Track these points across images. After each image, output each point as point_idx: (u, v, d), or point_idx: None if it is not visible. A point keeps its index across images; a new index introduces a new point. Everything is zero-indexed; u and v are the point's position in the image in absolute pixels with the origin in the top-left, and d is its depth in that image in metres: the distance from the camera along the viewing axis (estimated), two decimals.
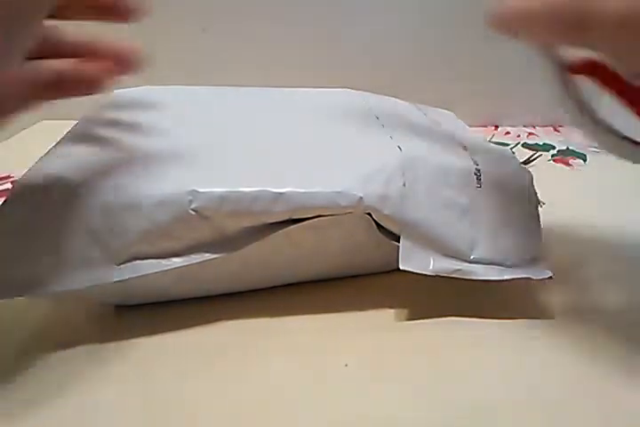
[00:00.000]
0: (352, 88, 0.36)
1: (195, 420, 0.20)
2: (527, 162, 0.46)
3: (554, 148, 0.52)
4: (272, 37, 0.51)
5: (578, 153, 0.51)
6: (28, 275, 0.22)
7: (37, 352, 0.23)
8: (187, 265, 0.23)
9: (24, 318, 0.25)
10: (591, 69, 0.22)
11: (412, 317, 0.26)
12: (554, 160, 0.49)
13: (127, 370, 0.22)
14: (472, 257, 0.25)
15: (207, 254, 0.23)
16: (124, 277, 0.22)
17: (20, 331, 0.25)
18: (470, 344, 0.24)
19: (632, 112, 0.21)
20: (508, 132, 0.56)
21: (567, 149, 0.52)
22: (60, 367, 0.23)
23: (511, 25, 0.19)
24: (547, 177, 0.33)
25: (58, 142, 0.27)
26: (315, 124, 0.29)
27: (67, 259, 0.22)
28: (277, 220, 0.23)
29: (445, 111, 0.40)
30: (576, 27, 0.18)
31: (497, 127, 0.58)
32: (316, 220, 0.24)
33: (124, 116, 0.29)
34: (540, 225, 0.27)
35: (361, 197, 0.23)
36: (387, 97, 0.36)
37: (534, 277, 0.25)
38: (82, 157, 0.25)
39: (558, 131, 0.58)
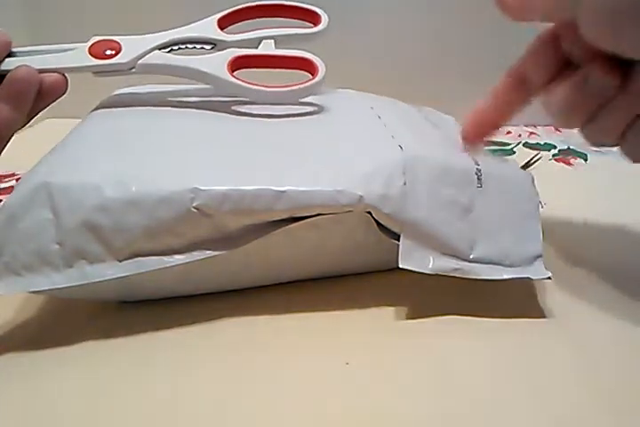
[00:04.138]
0: (353, 89, 0.37)
1: (196, 417, 0.20)
2: (527, 166, 0.46)
3: (555, 147, 0.52)
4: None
5: (579, 153, 0.51)
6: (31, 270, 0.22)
7: (38, 350, 0.23)
8: (188, 262, 0.23)
9: (25, 316, 0.26)
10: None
11: (412, 315, 0.26)
12: (555, 160, 0.49)
13: (129, 367, 0.23)
14: (472, 256, 0.25)
15: (208, 252, 0.23)
16: (125, 274, 0.22)
17: (21, 329, 0.25)
18: (470, 344, 0.24)
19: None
20: (509, 132, 0.56)
21: (568, 148, 0.52)
22: (62, 364, 0.23)
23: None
24: (548, 177, 0.33)
25: (62, 140, 0.27)
26: (316, 123, 0.29)
27: (69, 255, 0.22)
28: (278, 218, 0.23)
29: (445, 115, 0.40)
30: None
31: None
32: (316, 218, 0.24)
33: (127, 113, 0.29)
34: (540, 225, 0.27)
35: (361, 196, 0.23)
36: (388, 98, 0.36)
37: (534, 277, 0.25)
38: (85, 154, 0.25)
39: (559, 130, 0.58)
